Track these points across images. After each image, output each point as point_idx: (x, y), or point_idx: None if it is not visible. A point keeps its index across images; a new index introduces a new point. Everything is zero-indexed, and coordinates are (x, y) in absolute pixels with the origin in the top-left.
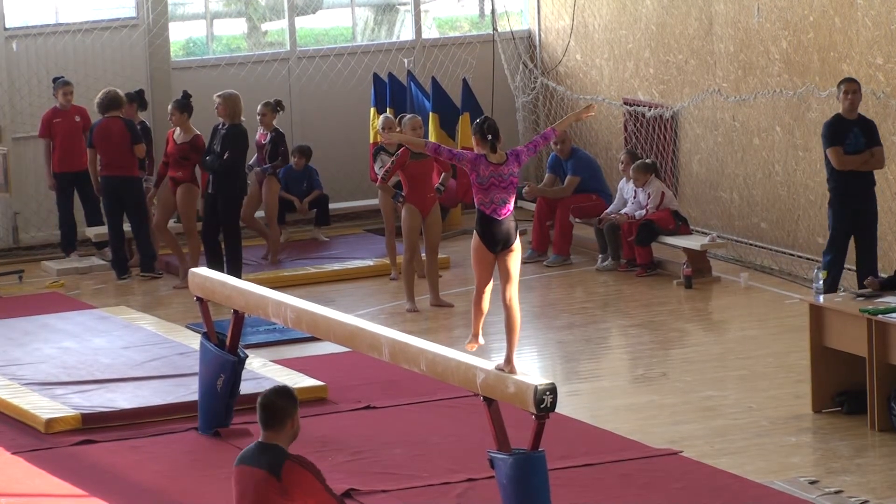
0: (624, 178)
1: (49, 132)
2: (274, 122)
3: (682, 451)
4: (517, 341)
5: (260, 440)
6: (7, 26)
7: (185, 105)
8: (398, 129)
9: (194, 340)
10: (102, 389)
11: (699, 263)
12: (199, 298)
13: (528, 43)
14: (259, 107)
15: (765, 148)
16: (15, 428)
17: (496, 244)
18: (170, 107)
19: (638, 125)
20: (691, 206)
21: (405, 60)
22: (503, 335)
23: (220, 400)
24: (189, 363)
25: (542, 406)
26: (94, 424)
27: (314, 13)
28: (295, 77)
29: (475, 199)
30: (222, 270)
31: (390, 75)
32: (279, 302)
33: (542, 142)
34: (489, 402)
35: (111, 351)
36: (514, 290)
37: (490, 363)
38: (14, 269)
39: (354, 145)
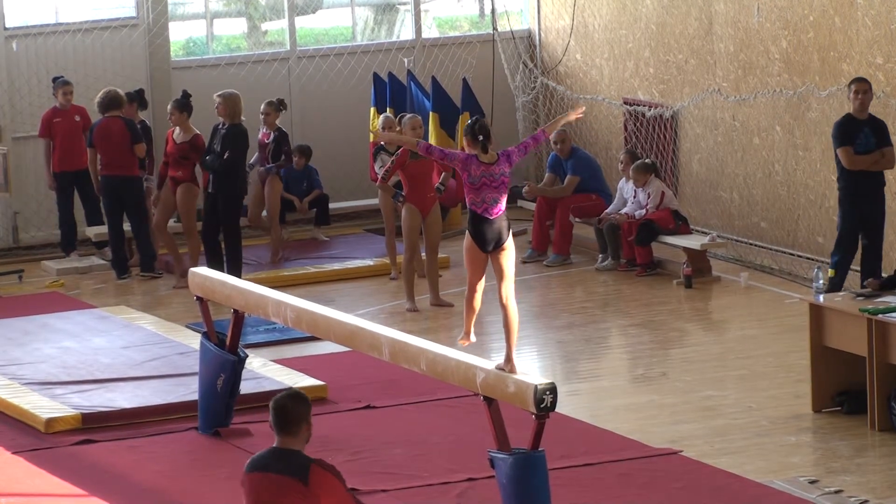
0: (623, 178)
1: (49, 132)
2: (277, 122)
3: (682, 451)
4: (516, 339)
5: (276, 445)
6: (7, 26)
7: (184, 104)
8: (398, 129)
9: (194, 340)
10: (102, 389)
11: (699, 263)
12: (199, 298)
13: (528, 42)
14: (263, 106)
15: (765, 147)
16: (15, 428)
17: (487, 243)
18: (169, 106)
19: (638, 125)
20: (691, 206)
21: (405, 60)
22: (503, 335)
23: (220, 400)
24: (189, 363)
25: (542, 406)
26: (94, 424)
27: (314, 13)
28: (295, 77)
29: (467, 200)
30: (222, 270)
31: (390, 75)
32: (279, 302)
33: (532, 143)
34: (489, 401)
35: (111, 351)
36: (509, 289)
37: (490, 363)
38: (14, 268)
39: (354, 145)
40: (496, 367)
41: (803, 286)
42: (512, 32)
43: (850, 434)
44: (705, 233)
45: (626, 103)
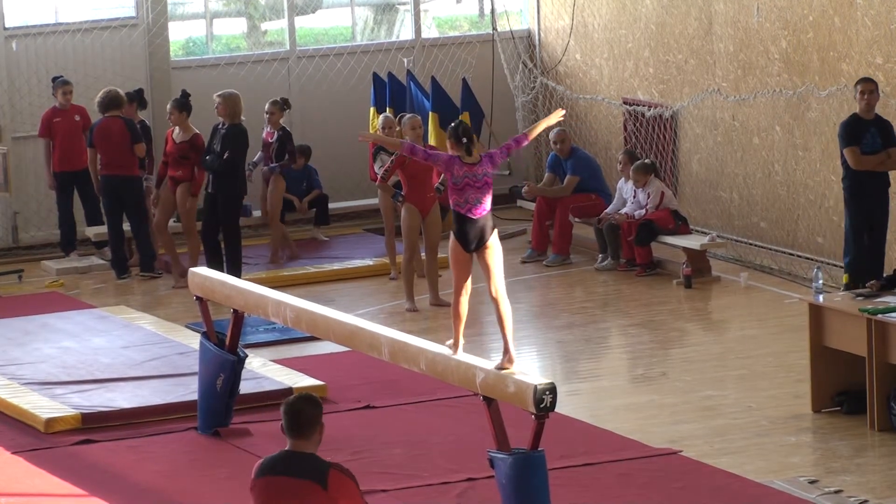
0: (623, 178)
1: (49, 132)
2: (281, 121)
3: (681, 451)
4: (511, 332)
5: (289, 449)
6: (7, 26)
7: (183, 104)
8: (398, 129)
9: (194, 340)
10: (102, 389)
11: (699, 263)
12: (198, 298)
13: (527, 42)
14: (267, 105)
15: (764, 147)
16: (15, 428)
17: (470, 243)
18: (168, 106)
19: (637, 125)
20: (691, 206)
21: (405, 60)
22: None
23: (220, 399)
24: (189, 363)
25: (541, 406)
26: (94, 424)
27: (314, 13)
28: (295, 77)
29: (451, 200)
30: (222, 270)
31: (390, 75)
32: (279, 301)
33: (514, 145)
34: (489, 401)
35: (111, 350)
36: (498, 283)
37: (490, 363)
38: (14, 268)
39: (354, 145)
40: (496, 368)
41: (803, 286)
42: (511, 32)
43: (849, 434)
44: (705, 233)
45: (625, 103)
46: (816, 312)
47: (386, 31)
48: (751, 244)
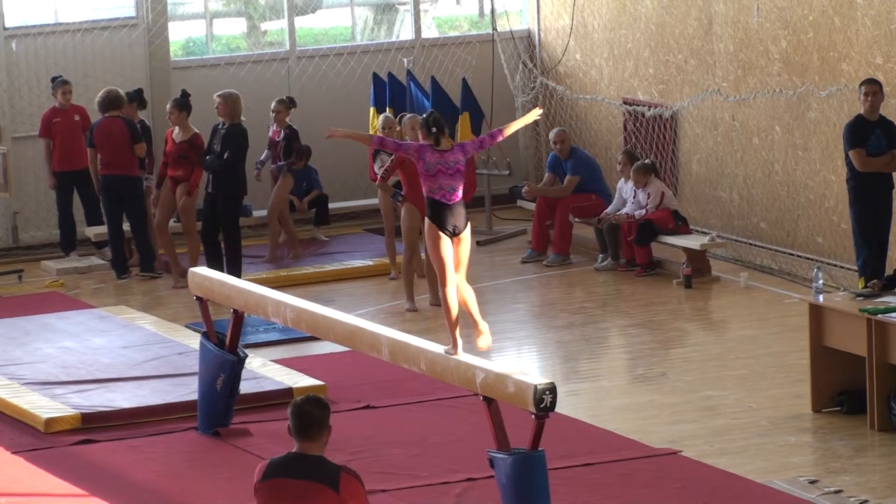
0: (623, 178)
1: (49, 132)
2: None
3: (681, 451)
4: (476, 308)
5: (296, 451)
6: (7, 26)
7: (183, 104)
8: (398, 129)
9: (194, 340)
10: (102, 389)
11: (699, 263)
12: (198, 298)
13: (527, 42)
14: (273, 103)
15: (764, 147)
16: (15, 428)
17: (448, 225)
18: (168, 106)
19: (637, 125)
20: (691, 206)
21: (405, 60)
22: (503, 335)
23: (220, 399)
24: (188, 363)
25: (541, 405)
26: (94, 424)
27: (314, 13)
28: (294, 77)
29: (424, 189)
30: (222, 270)
31: (390, 75)
32: (279, 301)
33: (489, 140)
34: (489, 401)
35: (111, 350)
36: (463, 273)
37: (490, 363)
38: (14, 268)
39: (354, 145)
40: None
41: (803, 286)
42: (511, 32)
43: (849, 434)
44: (705, 233)
45: (625, 103)
46: (816, 312)
47: (386, 32)
48: (751, 244)
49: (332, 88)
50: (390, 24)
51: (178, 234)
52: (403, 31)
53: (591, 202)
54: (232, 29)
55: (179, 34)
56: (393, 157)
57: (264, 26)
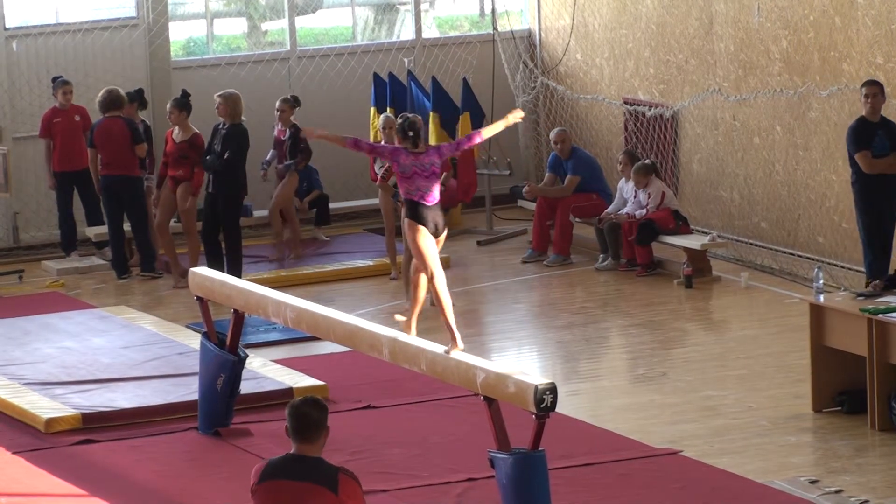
0: (624, 178)
1: (49, 132)
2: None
3: (682, 451)
4: (419, 310)
5: (294, 452)
6: (7, 26)
7: (183, 104)
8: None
9: (194, 340)
10: (102, 389)
11: (699, 263)
12: (199, 298)
13: (528, 42)
14: (278, 102)
15: (765, 147)
16: (15, 428)
17: (429, 224)
18: (168, 106)
19: (638, 125)
20: (691, 206)
21: (405, 60)
22: (503, 335)
23: (220, 399)
24: (189, 363)
25: (542, 406)
26: (94, 424)
27: (314, 13)
28: (295, 77)
29: (401, 190)
30: (222, 270)
31: (390, 75)
32: (279, 302)
33: (466, 142)
34: (489, 401)
35: (111, 351)
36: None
37: (490, 363)
38: (14, 268)
39: None
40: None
41: (803, 286)
42: (512, 32)
43: (850, 434)
44: (705, 233)
45: (626, 103)
46: (817, 312)
47: (386, 31)
48: (751, 244)
49: (332, 88)
50: (391, 24)
51: (179, 234)
52: (404, 31)
53: (591, 202)
54: (232, 29)
55: (180, 34)
56: None
57: (265, 26)
